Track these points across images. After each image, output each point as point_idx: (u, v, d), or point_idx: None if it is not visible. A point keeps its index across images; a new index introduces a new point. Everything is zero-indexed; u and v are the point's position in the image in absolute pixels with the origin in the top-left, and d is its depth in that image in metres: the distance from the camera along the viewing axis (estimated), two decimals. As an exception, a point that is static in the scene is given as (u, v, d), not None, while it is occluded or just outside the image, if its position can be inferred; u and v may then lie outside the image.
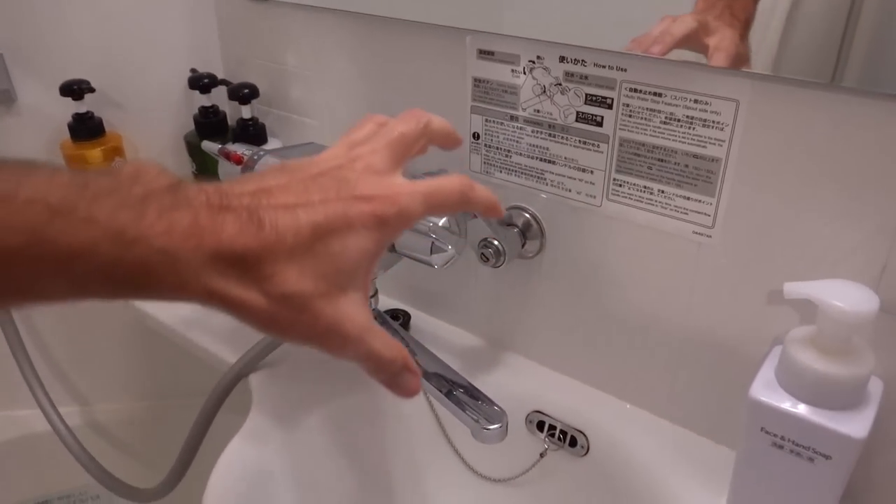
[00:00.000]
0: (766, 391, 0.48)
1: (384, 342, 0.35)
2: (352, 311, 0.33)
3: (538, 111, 0.59)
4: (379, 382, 0.36)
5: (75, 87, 0.79)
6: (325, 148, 0.62)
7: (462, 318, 0.74)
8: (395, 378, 0.36)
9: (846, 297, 0.45)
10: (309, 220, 0.32)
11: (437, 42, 0.63)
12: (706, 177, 0.52)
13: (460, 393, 0.63)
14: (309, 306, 0.32)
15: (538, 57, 0.57)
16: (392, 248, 0.53)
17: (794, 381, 0.47)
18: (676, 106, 0.51)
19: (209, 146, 0.65)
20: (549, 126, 0.59)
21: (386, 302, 0.78)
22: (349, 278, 0.33)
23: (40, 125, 0.84)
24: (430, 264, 0.52)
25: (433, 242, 0.51)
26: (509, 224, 0.64)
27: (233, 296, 0.31)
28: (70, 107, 0.81)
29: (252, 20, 0.79)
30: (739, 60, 0.47)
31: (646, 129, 0.53)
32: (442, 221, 0.51)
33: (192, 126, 0.84)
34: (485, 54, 0.60)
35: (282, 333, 0.33)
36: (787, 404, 0.47)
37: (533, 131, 0.60)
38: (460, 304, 0.74)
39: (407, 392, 0.37)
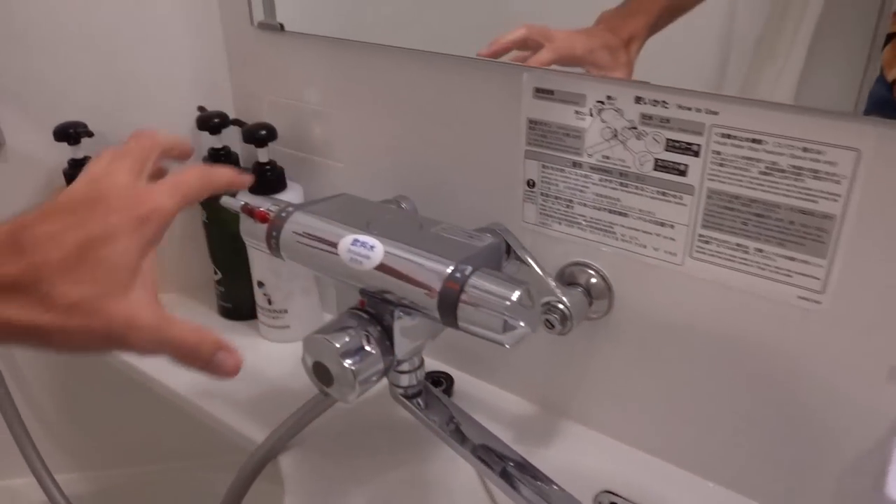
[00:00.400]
0: (905, 489, 0.41)
1: (183, 328, 0.37)
2: (142, 305, 0.36)
3: (607, 157, 0.52)
4: (197, 371, 0.38)
5: (71, 130, 0.72)
6: (359, 200, 0.55)
7: (512, 381, 0.67)
8: (210, 363, 0.39)
9: None
10: (72, 239, 0.34)
11: (484, 78, 0.56)
12: (816, 235, 0.45)
13: (513, 469, 0.55)
14: (98, 308, 0.34)
15: (608, 97, 0.50)
16: (456, 325, 0.46)
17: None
18: (780, 154, 0.44)
19: (229, 202, 0.57)
20: (621, 174, 0.52)
21: (426, 363, 0.70)
22: (130, 277, 0.35)
23: (32, 172, 0.77)
24: (501, 343, 0.45)
25: (505, 320, 0.44)
26: (571, 283, 0.57)
27: (18, 320, 0.33)
28: (65, 152, 0.73)
29: (266, 53, 0.72)
30: (588, 64, 0.50)
31: (741, 180, 0.46)
32: (515, 295, 0.44)
33: (200, 170, 0.76)
34: (543, 93, 0.53)
35: (83, 345, 0.35)
36: (931, 505, 0.40)
37: (600, 180, 0.53)
38: (510, 365, 0.66)
39: (227, 371, 0.39)
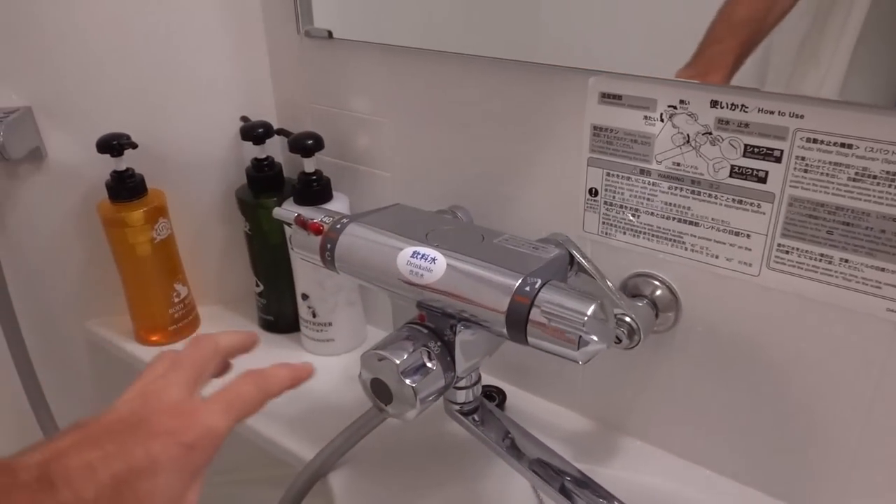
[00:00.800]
0: None
1: None
2: None
3: (678, 164, 0.49)
4: None
5: (115, 142, 0.70)
6: (414, 210, 0.52)
7: (566, 395, 0.65)
8: None
9: None
10: (109, 472, 0.31)
11: (545, 83, 0.54)
12: (911, 245, 0.42)
13: (572, 485, 0.53)
14: None
15: (681, 101, 0.48)
16: (525, 341, 0.44)
17: None
18: (873, 160, 0.42)
19: (282, 213, 0.56)
20: (693, 182, 0.49)
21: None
22: None
23: (74, 185, 0.76)
24: (574, 360, 0.43)
25: (580, 336, 0.41)
26: (635, 295, 0.55)
27: None
28: (108, 164, 0.72)
29: (312, 61, 0.70)
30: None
31: (827, 187, 0.44)
32: (591, 310, 0.41)
33: (243, 180, 0.75)
34: (610, 98, 0.51)
35: None
36: None
37: (670, 188, 0.50)
38: (564, 379, 0.64)
39: None
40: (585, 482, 0.53)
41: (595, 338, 0.42)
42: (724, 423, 0.55)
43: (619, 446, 0.61)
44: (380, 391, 0.49)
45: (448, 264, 0.47)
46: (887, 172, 0.42)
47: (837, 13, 0.41)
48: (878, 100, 0.41)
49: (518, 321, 0.44)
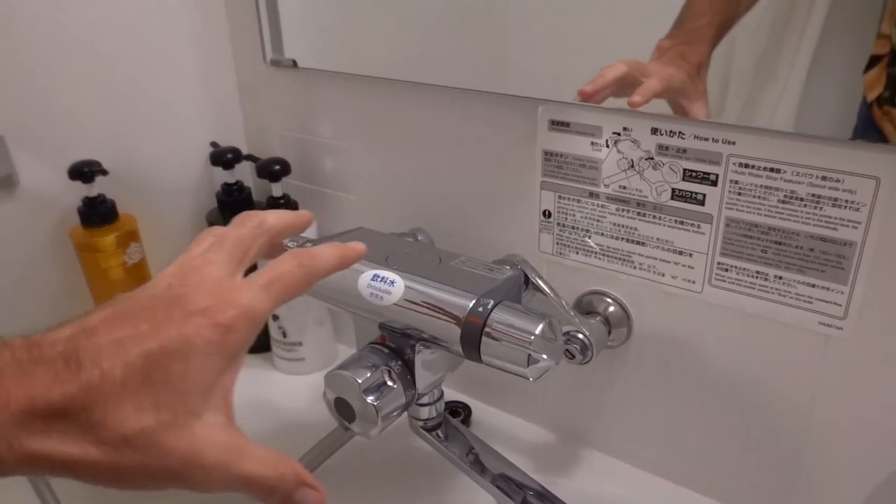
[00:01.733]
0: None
1: (261, 460, 0.31)
2: (212, 436, 0.30)
3: (624, 187, 0.52)
4: None
5: (86, 169, 0.72)
6: (376, 233, 0.53)
7: (530, 410, 0.67)
8: (290, 501, 0.32)
9: None
10: (140, 351, 0.29)
11: (499, 112, 0.56)
12: (836, 262, 0.45)
13: (533, 499, 0.55)
14: (156, 443, 0.29)
15: (624, 129, 0.50)
16: (479, 359, 0.46)
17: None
18: (799, 183, 0.45)
19: (247, 239, 0.58)
20: (638, 204, 0.52)
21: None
22: (201, 401, 0.30)
23: (46, 211, 0.77)
24: (525, 377, 0.45)
25: (529, 354, 0.44)
26: (588, 312, 0.57)
27: (60, 455, 0.27)
28: (79, 190, 0.73)
29: (277, 88, 0.72)
30: (680, 95, 0.47)
31: (759, 209, 0.47)
32: (539, 329, 0.44)
33: (214, 204, 0.77)
34: (558, 125, 0.53)
35: (132, 484, 0.29)
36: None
37: (617, 209, 0.53)
38: (528, 394, 0.66)
39: None
40: (546, 496, 0.55)
41: (544, 356, 0.45)
42: (678, 433, 0.58)
43: (581, 458, 0.63)
44: (343, 410, 0.51)
45: (406, 286, 0.49)
46: (813, 195, 0.44)
47: (788, 42, 0.44)
48: (802, 129, 0.43)
49: (472, 341, 0.46)
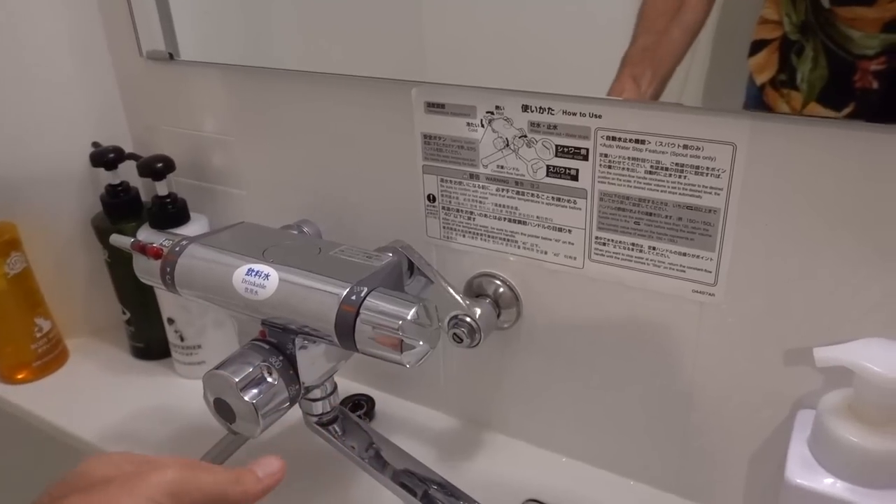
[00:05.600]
0: (805, 473, 0.42)
1: None
2: None
3: (502, 167, 0.52)
4: None
5: (-46, 176, 0.68)
6: (258, 227, 0.52)
7: (432, 397, 0.66)
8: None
9: (887, 360, 0.39)
10: None
11: (377, 97, 0.55)
12: (704, 230, 0.46)
13: (436, 492, 0.54)
14: None
15: (497, 107, 0.50)
16: (355, 348, 0.45)
17: (835, 459, 0.41)
18: (663, 153, 0.45)
19: (119, 240, 0.55)
20: (517, 183, 0.52)
21: (347, 386, 0.69)
22: None
23: (-83, 223, 0.72)
24: (401, 363, 0.44)
25: (402, 340, 0.43)
26: (479, 295, 0.57)
27: None
28: (-49, 199, 0.69)
29: (157, 83, 0.70)
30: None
31: (629, 181, 0.47)
32: (410, 314, 0.43)
33: (99, 208, 0.73)
34: (434, 107, 0.53)
35: None
36: (830, 486, 0.41)
37: (497, 190, 0.53)
38: (429, 381, 0.65)
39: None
40: (447, 487, 0.54)
41: (420, 342, 0.44)
42: (572, 409, 0.58)
43: (485, 442, 0.63)
44: (224, 411, 0.49)
45: (280, 279, 0.48)
46: (676, 164, 0.45)
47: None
48: (667, 97, 0.44)
49: (346, 329, 0.45)
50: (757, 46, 0.40)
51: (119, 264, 0.73)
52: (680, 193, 0.45)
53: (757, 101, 0.41)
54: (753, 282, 0.45)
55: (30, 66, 0.70)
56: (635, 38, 0.43)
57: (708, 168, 0.44)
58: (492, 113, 0.50)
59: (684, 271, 0.48)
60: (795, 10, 0.39)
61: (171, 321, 0.71)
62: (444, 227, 0.57)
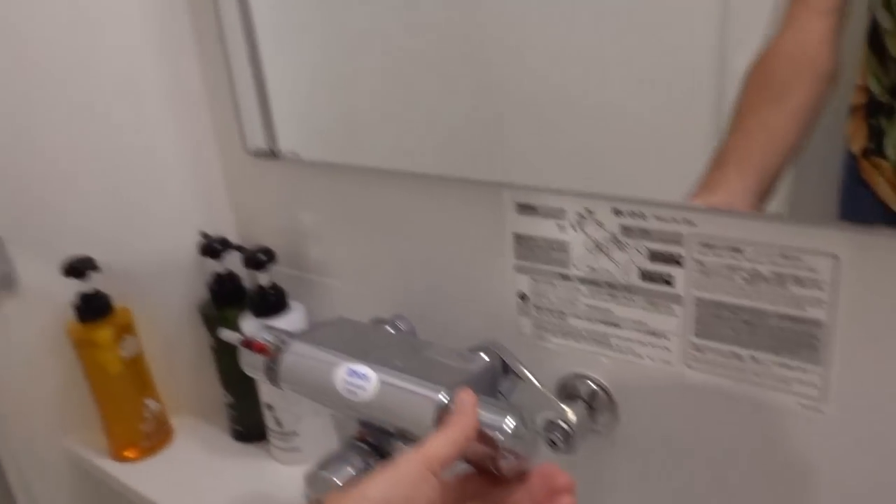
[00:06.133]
0: None
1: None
2: None
3: (593, 269, 0.52)
4: None
5: (78, 266, 0.74)
6: (355, 324, 0.57)
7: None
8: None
9: None
10: None
11: (469, 197, 0.57)
12: (808, 342, 0.44)
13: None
14: None
15: (588, 210, 0.51)
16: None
17: None
18: (761, 262, 0.44)
19: (229, 336, 0.58)
20: (609, 285, 0.52)
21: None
22: None
23: (44, 308, 0.78)
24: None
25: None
26: (571, 396, 0.56)
27: None
28: (74, 286, 0.75)
29: (261, 178, 0.74)
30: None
31: (726, 289, 0.46)
32: (511, 426, 0.43)
33: (205, 294, 0.78)
34: (526, 209, 0.54)
35: None
36: None
37: (590, 291, 0.53)
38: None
39: None
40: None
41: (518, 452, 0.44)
42: (671, 515, 0.56)
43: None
44: (322, 509, 0.50)
45: (380, 381, 0.49)
46: (776, 274, 0.44)
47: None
48: (807, 207, 0.43)
49: (443, 437, 0.45)
50: (850, 113, 0.40)
51: (223, 350, 0.76)
52: (781, 304, 0.44)
53: (853, 177, 0.40)
54: (871, 399, 0.43)
55: (143, 162, 0.76)
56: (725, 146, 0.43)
57: (809, 279, 0.43)
58: (582, 216, 0.51)
59: (789, 384, 0.46)
60: (886, 72, 0.38)
61: (269, 407, 0.74)
62: (535, 326, 0.57)
